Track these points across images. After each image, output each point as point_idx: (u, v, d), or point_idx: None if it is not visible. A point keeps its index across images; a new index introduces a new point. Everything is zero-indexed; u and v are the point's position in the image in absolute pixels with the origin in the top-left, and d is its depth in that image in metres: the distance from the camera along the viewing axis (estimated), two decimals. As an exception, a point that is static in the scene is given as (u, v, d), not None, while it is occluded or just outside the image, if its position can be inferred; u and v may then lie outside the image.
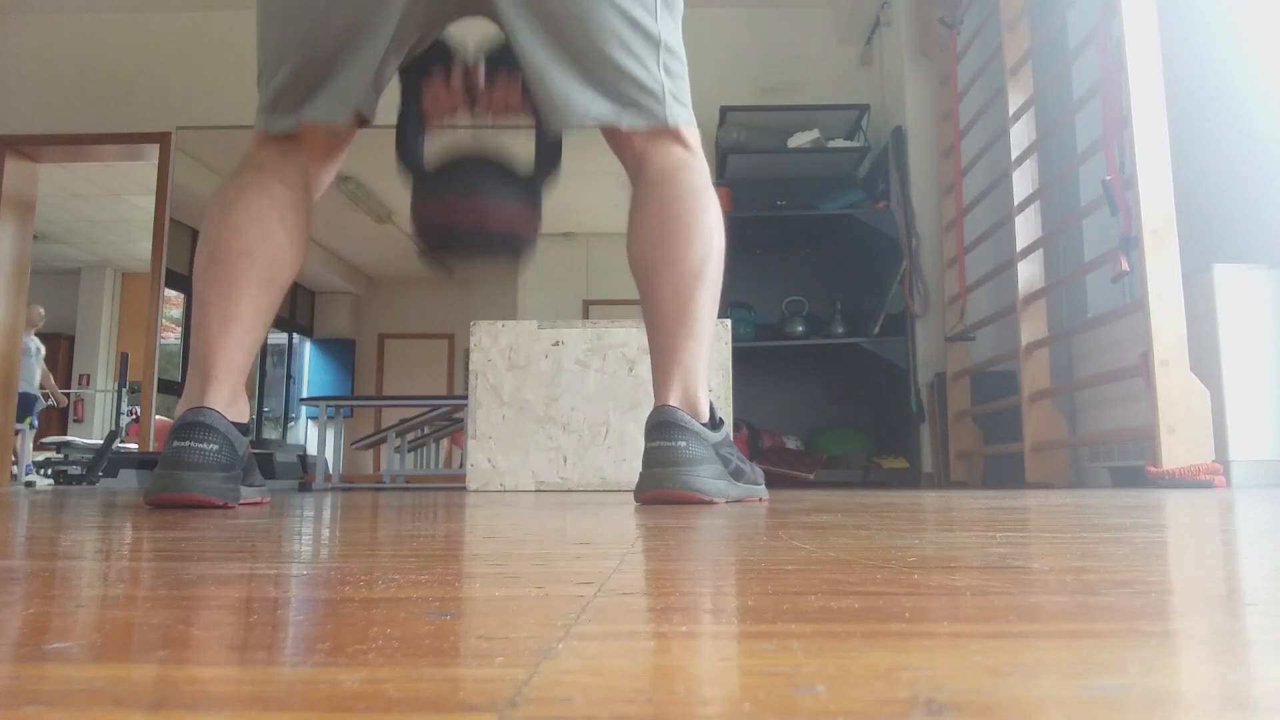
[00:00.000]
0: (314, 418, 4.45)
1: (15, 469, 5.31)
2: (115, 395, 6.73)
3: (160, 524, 0.76)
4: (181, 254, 4.72)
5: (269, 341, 5.17)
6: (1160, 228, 2.24)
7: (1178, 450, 2.15)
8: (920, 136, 3.84)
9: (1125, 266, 2.29)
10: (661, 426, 1.21)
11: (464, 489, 2.74)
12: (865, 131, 4.12)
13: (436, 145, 1.31)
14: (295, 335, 5.29)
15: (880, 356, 3.73)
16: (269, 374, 5.26)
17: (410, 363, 5.11)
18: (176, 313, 5.27)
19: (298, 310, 5.18)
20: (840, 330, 3.87)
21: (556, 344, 2.41)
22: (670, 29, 1.27)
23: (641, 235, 1.29)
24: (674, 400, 1.25)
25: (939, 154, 3.77)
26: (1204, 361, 2.35)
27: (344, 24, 1.19)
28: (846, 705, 0.16)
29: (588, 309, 4.64)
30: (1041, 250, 2.99)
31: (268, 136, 1.28)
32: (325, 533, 0.66)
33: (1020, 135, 3.04)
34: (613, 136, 1.33)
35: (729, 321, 2.45)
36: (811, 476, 3.58)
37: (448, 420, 4.13)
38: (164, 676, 0.19)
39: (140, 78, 4.73)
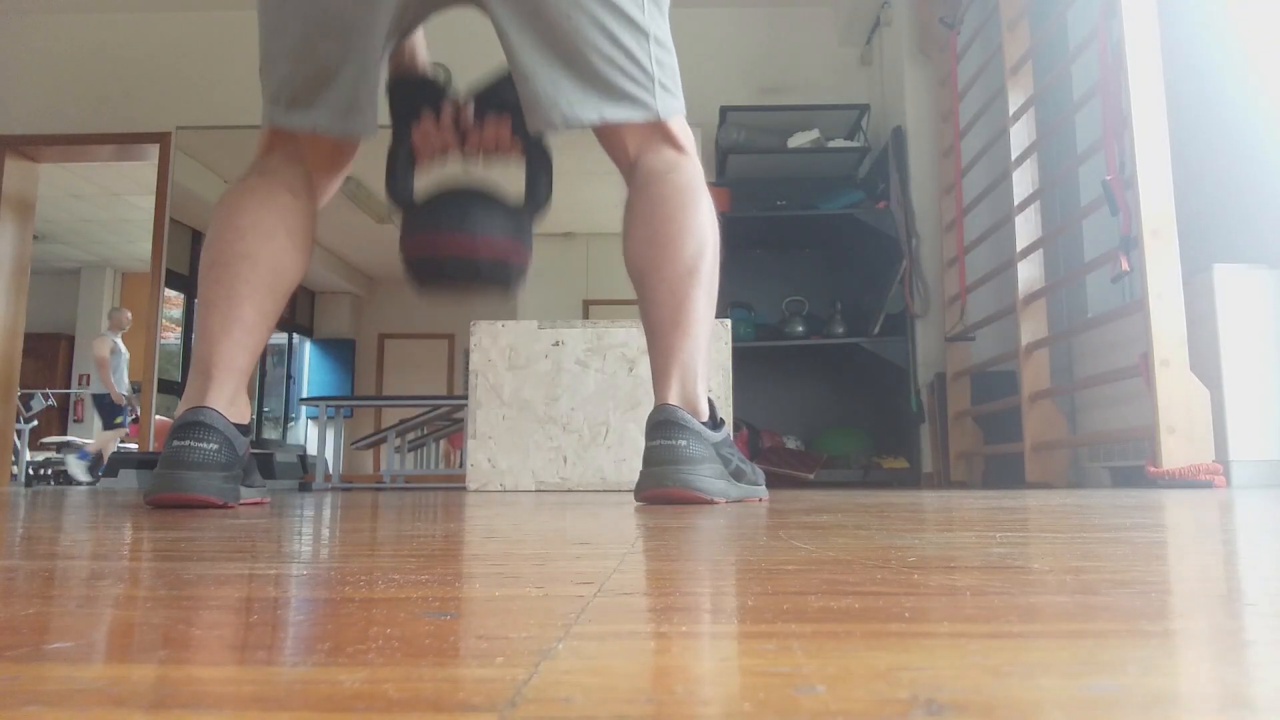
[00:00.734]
0: (314, 418, 4.45)
1: (15, 469, 5.31)
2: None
3: (160, 524, 0.76)
4: (181, 254, 4.72)
5: (269, 341, 5.17)
6: (1160, 228, 2.24)
7: (1178, 450, 2.15)
8: (920, 136, 3.84)
9: (1125, 266, 2.29)
10: (662, 425, 1.21)
11: (464, 489, 2.74)
12: (865, 131, 4.12)
13: (426, 180, 1.32)
14: (295, 335, 5.29)
15: (880, 356, 3.73)
16: (269, 374, 5.26)
17: (410, 363, 5.11)
18: (176, 313, 5.27)
19: (298, 310, 5.18)
20: (840, 330, 3.87)
21: (556, 344, 2.41)
22: (658, 22, 1.27)
23: (635, 236, 1.30)
24: (674, 399, 1.25)
25: (939, 154, 3.77)
26: (1204, 361, 2.35)
27: (339, 25, 1.19)
28: (846, 705, 0.16)
29: (588, 309, 4.64)
30: (1041, 250, 2.99)
31: (274, 139, 1.29)
32: (325, 533, 0.66)
33: (1020, 135, 3.04)
34: (606, 138, 1.33)
35: (729, 321, 2.45)
36: (811, 476, 3.58)
37: (448, 420, 4.13)
38: (164, 676, 0.19)
39: (140, 78, 4.73)
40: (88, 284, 9.15)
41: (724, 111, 4.10)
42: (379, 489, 3.02)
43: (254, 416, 5.08)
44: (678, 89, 1.31)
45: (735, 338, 3.75)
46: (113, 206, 7.57)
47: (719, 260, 1.32)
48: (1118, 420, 2.76)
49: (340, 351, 5.24)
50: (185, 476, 1.05)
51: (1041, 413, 2.87)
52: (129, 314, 6.88)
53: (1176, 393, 2.18)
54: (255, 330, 1.19)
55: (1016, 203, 3.00)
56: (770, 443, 3.88)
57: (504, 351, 2.41)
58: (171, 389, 4.77)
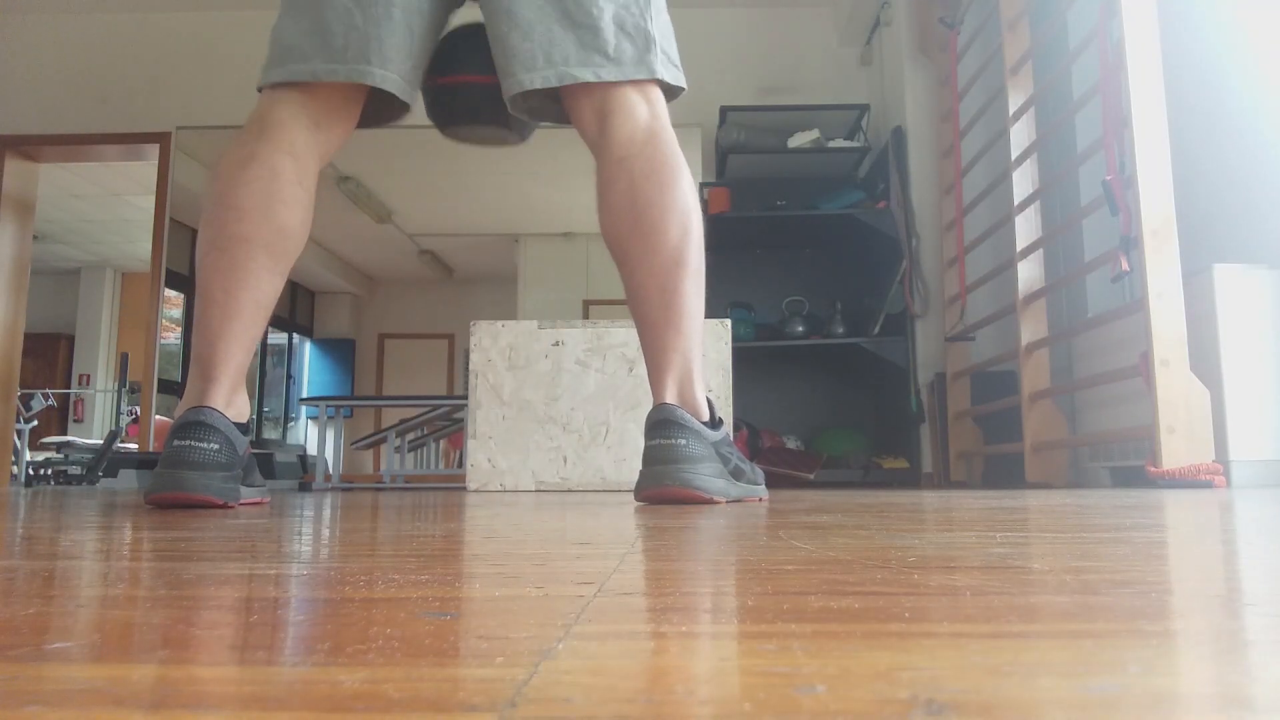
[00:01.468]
0: (314, 418, 4.45)
1: (15, 469, 5.31)
2: (115, 395, 6.73)
3: (160, 524, 0.76)
4: (181, 254, 4.72)
5: (269, 341, 5.17)
6: (1160, 228, 2.24)
7: (1178, 450, 2.15)
8: (920, 136, 3.84)
9: (1125, 266, 2.29)
10: (661, 425, 1.21)
11: (464, 489, 2.74)
12: (865, 131, 4.12)
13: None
14: (295, 335, 5.29)
15: (880, 356, 3.72)
16: (269, 374, 5.25)
17: (410, 363, 5.11)
18: (176, 313, 5.27)
19: (298, 310, 5.18)
20: (840, 330, 3.87)
21: (556, 344, 2.41)
22: None
23: (614, 219, 1.26)
24: (672, 398, 1.24)
25: (939, 154, 3.77)
26: (1204, 361, 2.35)
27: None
28: (846, 705, 0.16)
29: (588, 309, 4.64)
30: (1041, 250, 2.99)
31: (275, 99, 1.24)
32: (325, 533, 0.66)
33: (1020, 135, 3.04)
34: (572, 98, 1.28)
35: (729, 321, 2.45)
36: (811, 476, 3.58)
37: (448, 420, 4.13)
38: (164, 676, 0.19)
39: (140, 78, 4.73)
40: (88, 284, 9.14)
41: (724, 111, 4.10)
42: (379, 489, 3.02)
43: (254, 416, 5.08)
44: (674, 52, 1.29)
45: (735, 338, 3.75)
46: (113, 206, 7.56)
47: (703, 244, 1.29)
48: (1118, 420, 2.76)
49: (340, 351, 5.24)
50: (186, 476, 1.05)
51: (1041, 413, 2.87)
52: None
53: (1176, 393, 2.18)
54: (254, 322, 1.18)
55: (1016, 203, 3.00)
56: (770, 443, 3.88)
57: (504, 351, 2.41)
58: (171, 389, 4.77)
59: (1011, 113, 3.07)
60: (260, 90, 1.28)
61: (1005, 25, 3.16)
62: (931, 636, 0.23)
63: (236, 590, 0.33)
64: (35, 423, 5.85)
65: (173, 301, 5.01)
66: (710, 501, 1.17)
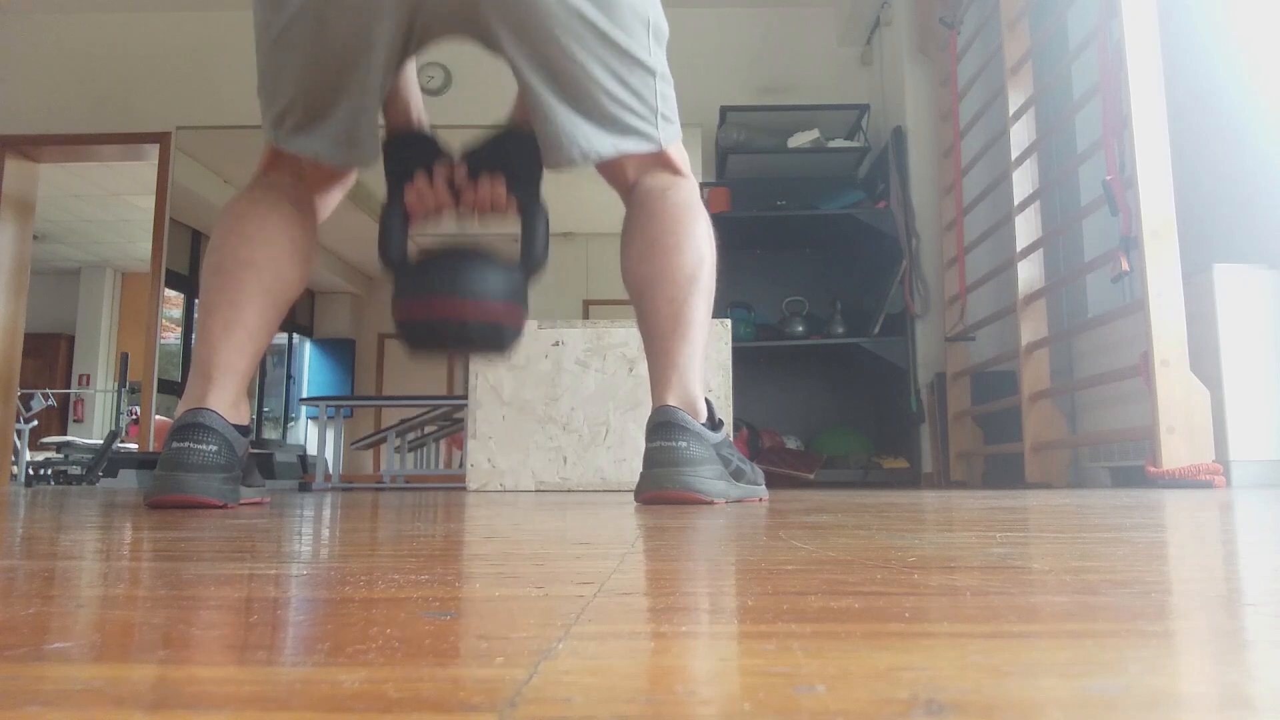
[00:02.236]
0: (314, 418, 4.45)
1: (15, 469, 5.30)
2: (115, 395, 6.73)
3: (160, 524, 0.76)
4: (181, 254, 4.72)
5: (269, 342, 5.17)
6: (1160, 228, 2.24)
7: (1178, 450, 2.15)
8: (920, 136, 3.83)
9: (1125, 266, 2.29)
10: (662, 427, 1.21)
11: (464, 489, 2.74)
12: (865, 131, 4.12)
13: (419, 242, 1.30)
14: (295, 335, 5.29)
15: (880, 356, 3.73)
16: (269, 374, 5.25)
17: (410, 363, 5.11)
18: (176, 313, 5.27)
19: (298, 310, 5.18)
20: (840, 330, 3.87)
21: (556, 344, 2.41)
22: (660, 58, 1.29)
23: (633, 251, 1.32)
24: (673, 400, 1.25)
25: (939, 154, 3.77)
26: (1204, 361, 2.35)
27: (337, 61, 1.19)
28: (846, 705, 0.16)
29: (588, 309, 4.64)
30: (1041, 250, 2.99)
31: (277, 156, 1.31)
32: (325, 533, 0.66)
33: (1020, 135, 3.04)
34: (607, 167, 1.35)
35: (729, 321, 2.45)
36: (811, 476, 3.58)
37: (448, 420, 4.13)
38: (164, 676, 0.19)
39: (140, 78, 4.73)
40: (88, 284, 9.14)
41: (724, 111, 4.10)
42: (379, 489, 3.02)
43: (254, 416, 5.08)
44: (676, 117, 1.35)
45: (735, 338, 3.75)
46: (113, 206, 7.56)
47: (715, 278, 1.34)
48: (1118, 420, 2.76)
49: (340, 351, 5.24)
50: (184, 478, 1.05)
51: (1041, 413, 2.87)
52: None
53: (1176, 393, 2.18)
54: (257, 335, 1.19)
55: (1016, 203, 3.00)
56: (770, 443, 3.88)
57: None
58: (172, 389, 4.77)
59: (1011, 113, 3.07)
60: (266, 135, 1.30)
61: (1005, 25, 3.16)
62: (931, 636, 0.23)
63: (236, 590, 0.33)
64: (35, 423, 5.84)
65: (173, 301, 5.01)
66: (710, 503, 1.17)
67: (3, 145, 4.68)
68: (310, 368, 5.28)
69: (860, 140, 4.10)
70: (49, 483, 5.23)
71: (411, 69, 1.36)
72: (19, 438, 5.37)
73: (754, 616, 0.27)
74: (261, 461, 3.61)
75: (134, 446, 5.62)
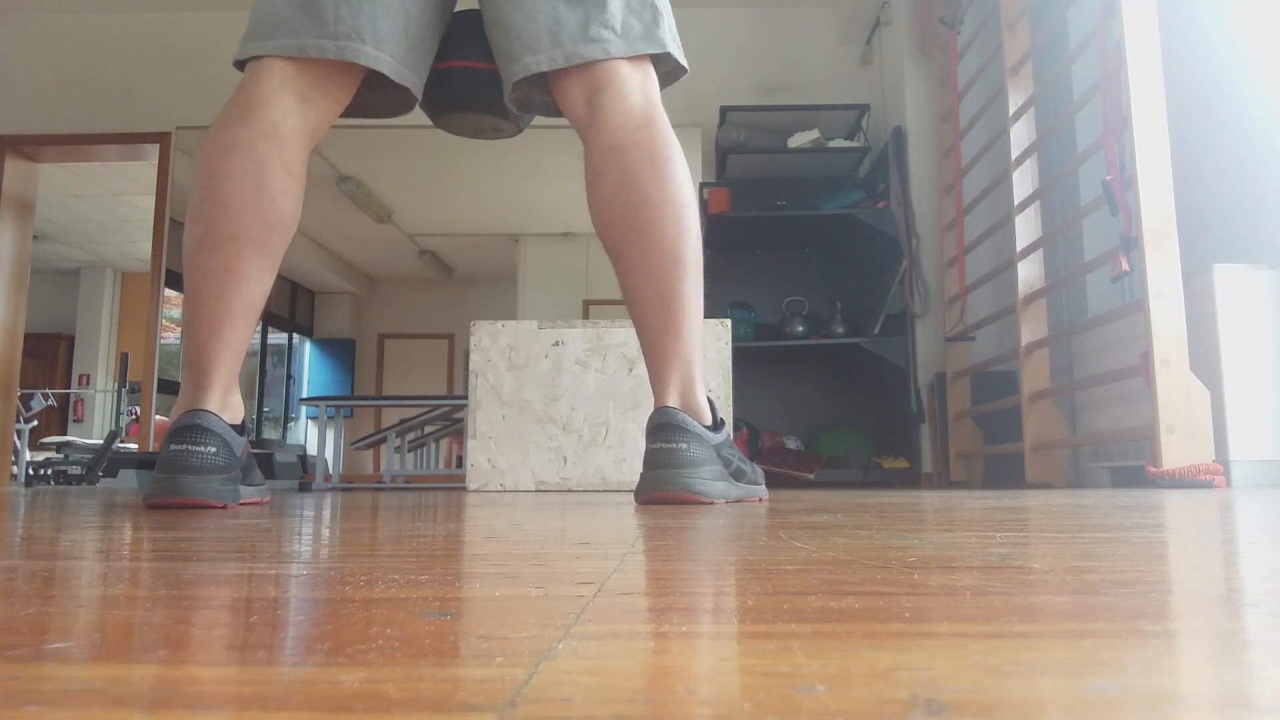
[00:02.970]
0: (314, 418, 4.45)
1: (15, 469, 5.31)
2: (115, 395, 6.73)
3: (160, 524, 0.76)
4: (181, 254, 4.72)
5: (269, 341, 5.17)
6: (1160, 228, 2.24)
7: (1178, 450, 2.15)
8: (920, 136, 3.84)
9: (1125, 266, 2.29)
10: (662, 428, 1.21)
11: (464, 489, 2.74)
12: (865, 131, 4.12)
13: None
14: (295, 335, 5.29)
15: (880, 356, 3.73)
16: (269, 374, 5.25)
17: (410, 363, 5.11)
18: (176, 313, 5.26)
19: (298, 310, 5.18)
20: (840, 330, 3.87)
21: (556, 344, 2.41)
22: None
23: (606, 213, 1.22)
24: (672, 401, 1.24)
25: (939, 154, 3.77)
26: (1204, 361, 2.35)
27: None
28: (846, 705, 0.16)
29: (588, 309, 4.64)
30: (1041, 250, 2.99)
31: (260, 72, 1.19)
32: (325, 533, 0.66)
33: (1020, 135, 3.04)
34: (563, 77, 1.24)
35: (729, 321, 2.45)
36: (811, 476, 3.58)
37: (448, 420, 4.13)
38: (164, 676, 0.19)
39: (140, 78, 4.73)
40: (88, 284, 9.14)
41: (724, 111, 4.10)
42: (379, 489, 3.02)
43: (254, 416, 5.08)
44: (668, 25, 1.25)
45: (735, 338, 3.75)
46: (113, 206, 7.56)
47: (700, 242, 1.26)
48: (1118, 420, 2.76)
49: (340, 351, 5.24)
50: (184, 480, 1.05)
51: (1041, 413, 2.87)
52: None
53: (1176, 393, 2.18)
54: (244, 325, 1.16)
55: (1016, 203, 3.00)
56: (770, 443, 3.88)
57: (504, 351, 2.41)
58: (171, 389, 4.76)
59: (1011, 113, 3.07)
60: (241, 66, 1.23)
61: (1005, 25, 3.16)
62: (931, 636, 0.23)
63: (236, 590, 0.33)
64: (35, 423, 5.84)
65: (173, 301, 5.01)
66: (710, 504, 1.17)
67: (3, 145, 4.68)
68: (310, 368, 5.28)
69: (860, 140, 4.10)
70: (49, 483, 5.23)
71: None
72: (19, 438, 5.37)
73: (754, 616, 0.27)
74: (261, 461, 3.61)
75: (134, 446, 5.62)
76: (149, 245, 4.77)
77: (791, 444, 4.03)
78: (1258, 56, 2.69)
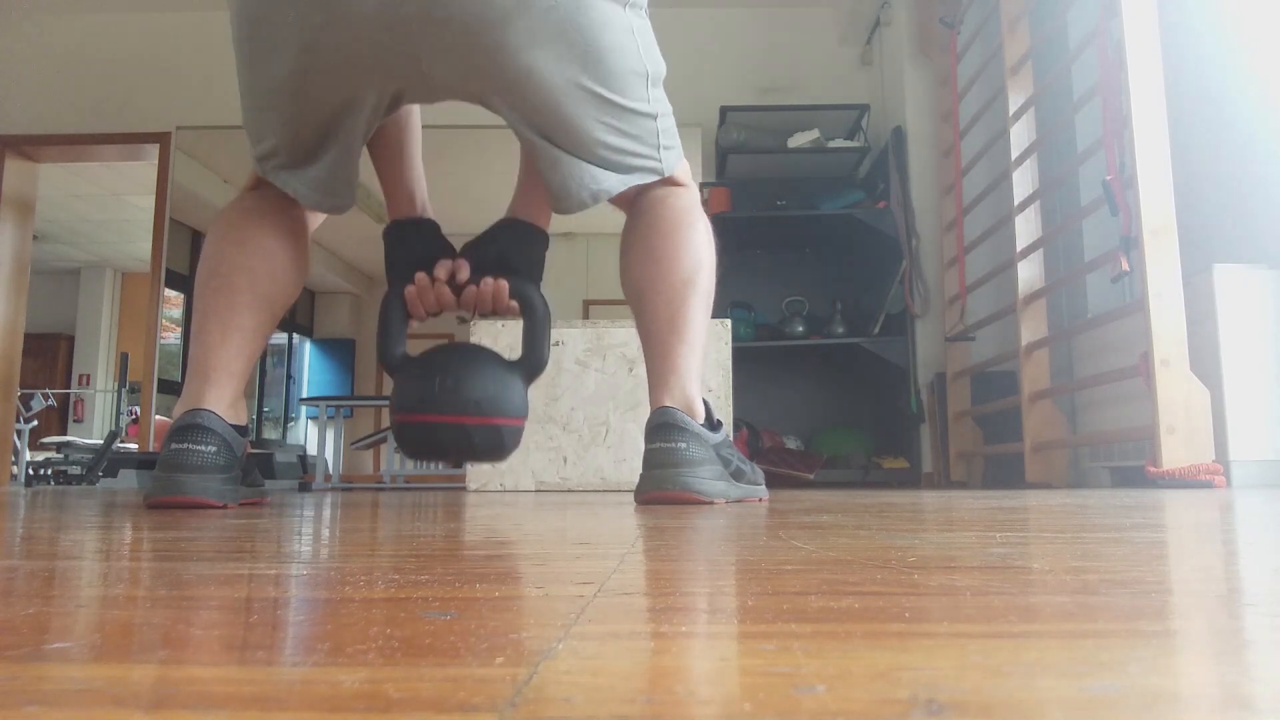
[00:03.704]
0: (314, 418, 4.45)
1: (15, 469, 5.31)
2: (115, 395, 6.73)
3: (160, 524, 0.76)
4: (181, 254, 4.72)
5: (269, 341, 5.18)
6: (1160, 228, 2.24)
7: (1178, 450, 2.15)
8: (920, 136, 3.84)
9: (1125, 266, 2.29)
10: (661, 428, 1.21)
11: (464, 489, 2.74)
12: (865, 131, 4.12)
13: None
14: (295, 335, 5.29)
15: (880, 356, 3.73)
16: (269, 374, 5.25)
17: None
18: (176, 313, 5.27)
19: (298, 310, 5.18)
20: (840, 330, 3.87)
21: (556, 344, 2.41)
22: (659, 99, 1.27)
23: (632, 257, 1.31)
24: (671, 402, 1.25)
25: (939, 154, 3.77)
26: (1204, 361, 2.35)
27: (319, 127, 1.18)
28: (846, 705, 0.16)
29: (588, 309, 4.64)
30: (1041, 250, 2.99)
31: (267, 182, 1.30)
32: (325, 533, 0.66)
33: (1020, 135, 3.04)
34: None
35: (729, 321, 2.45)
36: (811, 476, 3.58)
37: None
38: (164, 676, 0.19)
39: (140, 78, 4.73)
40: (88, 284, 9.14)
41: (724, 111, 4.10)
42: (379, 489, 3.02)
43: (254, 416, 5.08)
44: (677, 140, 1.33)
45: (735, 338, 3.75)
46: (113, 206, 7.56)
47: (714, 282, 1.33)
48: (1118, 420, 2.76)
49: (340, 351, 5.24)
50: (184, 479, 1.05)
51: (1041, 413, 2.87)
52: None
53: (1176, 393, 2.18)
54: (253, 339, 1.20)
55: (1016, 203, 3.00)
56: (770, 443, 3.88)
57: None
58: (171, 389, 4.76)
59: (1011, 113, 3.07)
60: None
61: (1005, 25, 3.16)
62: (931, 636, 0.23)
63: (236, 590, 0.33)
64: (35, 423, 5.84)
65: (173, 301, 5.01)
66: (710, 504, 1.17)
67: (3, 145, 4.68)
68: (310, 368, 5.29)
69: (860, 140, 4.10)
70: (49, 483, 5.23)
71: (416, 147, 1.33)
72: (19, 438, 5.37)
73: (754, 616, 0.27)
74: (261, 461, 3.61)
75: (134, 446, 5.62)
76: (149, 245, 4.76)
77: (791, 444, 4.03)
78: (1257, 57, 2.69)
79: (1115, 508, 0.96)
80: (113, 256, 8.90)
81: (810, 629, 0.24)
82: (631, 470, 2.34)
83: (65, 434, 7.81)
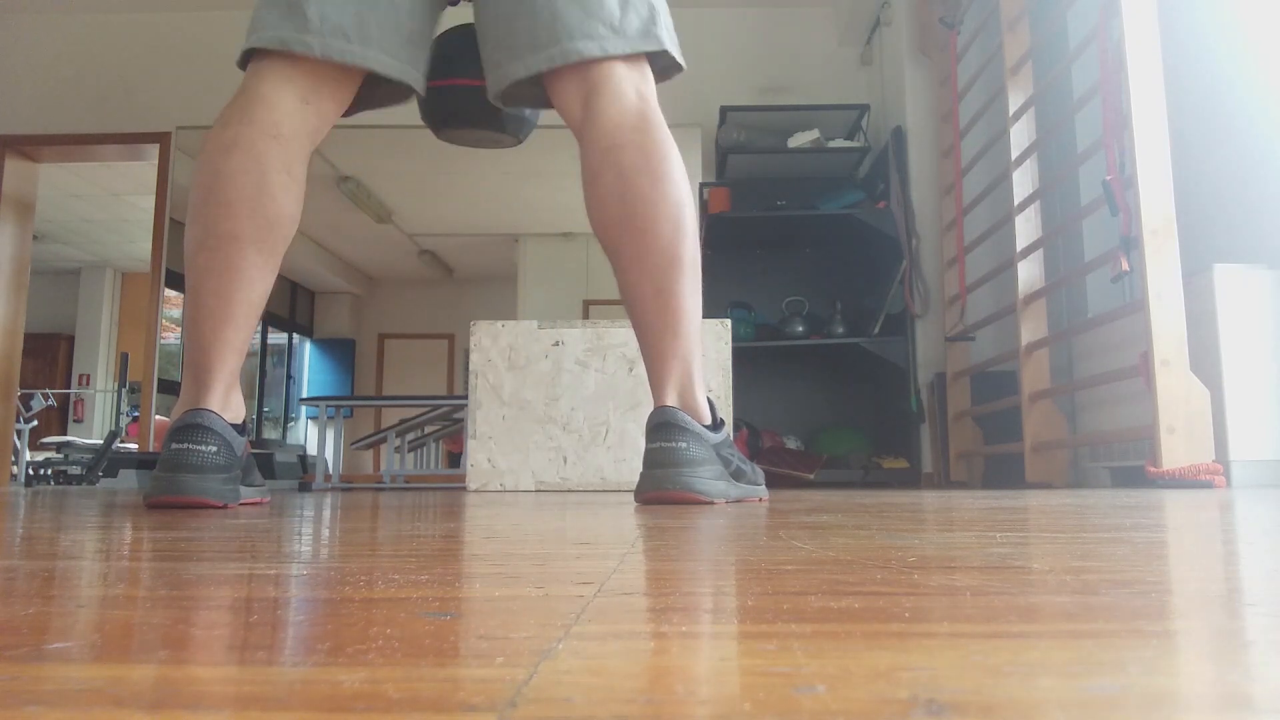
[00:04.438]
0: (314, 418, 4.45)
1: (15, 469, 5.31)
2: (115, 395, 6.73)
3: (160, 524, 0.76)
4: (181, 254, 4.71)
5: (269, 341, 5.17)
6: (1160, 228, 2.24)
7: (1178, 450, 2.15)
8: (920, 136, 3.83)
9: (1125, 266, 2.29)
10: (662, 428, 1.21)
11: (464, 489, 2.74)
12: (865, 131, 4.12)
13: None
14: (295, 335, 5.29)
15: (880, 356, 3.73)
16: (269, 374, 5.25)
17: (410, 363, 5.11)
18: (176, 313, 5.27)
19: (298, 310, 5.18)
20: (840, 330, 3.87)
21: (556, 344, 2.41)
22: None
23: (603, 214, 1.22)
24: (671, 400, 1.24)
25: (939, 154, 3.77)
26: (1204, 361, 2.35)
27: None
28: (846, 705, 0.16)
29: (588, 309, 4.64)
30: (1041, 250, 2.99)
31: (262, 68, 1.20)
32: (325, 533, 0.66)
33: (1020, 135, 3.04)
34: (557, 77, 1.24)
35: (729, 321, 2.45)
36: (811, 476, 3.58)
37: (448, 420, 4.14)
38: (164, 676, 0.19)
39: (140, 78, 4.73)
40: (88, 284, 9.14)
41: (724, 111, 4.10)
42: (379, 489, 3.02)
43: (254, 416, 5.08)
44: (652, 30, 1.24)
45: (735, 338, 3.75)
46: (113, 206, 7.56)
47: (698, 241, 1.25)
48: (1118, 420, 2.76)
49: (340, 351, 5.24)
50: (184, 480, 1.05)
51: (1041, 413, 2.87)
52: None
53: (1176, 393, 2.18)
54: (247, 324, 1.17)
55: (1016, 203, 3.00)
56: (770, 443, 3.88)
57: (504, 351, 2.41)
58: (171, 389, 4.76)
59: (1011, 113, 3.07)
60: (244, 66, 1.24)
61: (1005, 25, 3.16)
62: (931, 636, 0.23)
63: (236, 590, 0.33)
64: (35, 423, 5.84)
65: (173, 301, 5.01)
66: (710, 504, 1.17)
67: (3, 145, 4.68)
68: (310, 368, 5.29)
69: (860, 140, 4.10)
70: (49, 483, 5.23)
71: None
72: (19, 438, 5.37)
73: (754, 616, 0.27)
74: (261, 461, 3.61)
75: (134, 446, 5.62)
76: (149, 245, 4.76)
77: (791, 444, 4.03)
78: (1257, 57, 2.69)
79: (1115, 508, 0.96)
80: (113, 256, 8.90)
81: (810, 629, 0.24)
82: (631, 470, 2.34)
83: (65, 434, 7.81)
